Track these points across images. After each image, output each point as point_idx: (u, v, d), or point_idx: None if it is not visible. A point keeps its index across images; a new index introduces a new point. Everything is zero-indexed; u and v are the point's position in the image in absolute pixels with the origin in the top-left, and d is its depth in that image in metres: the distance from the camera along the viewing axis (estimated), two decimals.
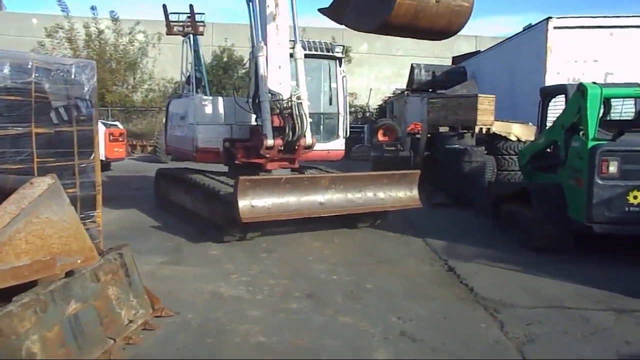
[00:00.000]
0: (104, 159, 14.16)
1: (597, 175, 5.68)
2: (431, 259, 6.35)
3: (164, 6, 12.54)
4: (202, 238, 6.95)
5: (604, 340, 4.00)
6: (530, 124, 11.33)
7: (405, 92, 20.38)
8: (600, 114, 6.07)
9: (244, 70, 24.94)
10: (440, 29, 5.26)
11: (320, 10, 6.46)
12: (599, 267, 5.85)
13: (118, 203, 9.32)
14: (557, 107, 7.82)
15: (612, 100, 7.24)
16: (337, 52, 8.66)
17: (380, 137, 17.43)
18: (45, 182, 2.72)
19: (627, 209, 5.71)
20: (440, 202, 9.84)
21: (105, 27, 25.46)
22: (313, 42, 8.44)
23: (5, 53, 4.70)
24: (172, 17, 12.78)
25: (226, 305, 4.61)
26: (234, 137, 7.93)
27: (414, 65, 20.23)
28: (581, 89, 6.07)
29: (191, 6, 12.51)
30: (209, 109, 8.06)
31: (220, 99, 8.26)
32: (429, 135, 11.32)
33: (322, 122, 8.75)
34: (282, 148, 7.09)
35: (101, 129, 14.14)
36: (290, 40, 7.36)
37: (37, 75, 4.74)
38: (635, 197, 5.67)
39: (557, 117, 6.99)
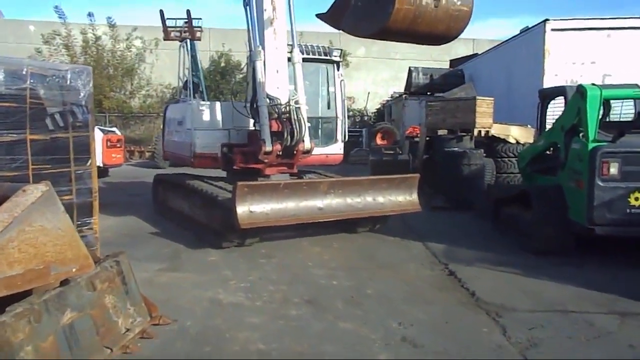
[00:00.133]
0: (101, 165, 14.09)
1: (597, 177, 5.64)
2: (431, 263, 6.30)
3: (161, 12, 12.51)
4: (200, 244, 6.89)
5: (608, 345, 3.95)
6: (528, 126, 11.32)
7: (403, 96, 20.38)
8: (600, 116, 6.03)
9: (241, 75, 24.91)
10: (439, 34, 5.23)
11: (318, 15, 6.44)
12: (600, 270, 5.81)
13: (116, 209, 9.26)
14: (556, 109, 7.79)
15: (611, 101, 7.22)
16: (335, 56, 8.62)
17: (379, 141, 17.41)
18: (39, 189, 2.67)
19: (628, 210, 5.67)
20: (440, 205, 9.80)
21: (103, 33, 25.43)
22: (311, 46, 8.40)
23: None
24: (169, 23, 12.75)
25: (225, 312, 4.55)
26: (232, 142, 7.88)
27: (411, 68, 20.23)
28: (581, 90, 6.04)
29: (188, 11, 12.49)
30: (206, 114, 8.01)
31: (217, 104, 8.22)
32: (427, 138, 11.30)
33: (320, 127, 8.70)
34: (280, 153, 7.04)
35: (99, 135, 14.09)
36: (288, 45, 7.33)
37: (32, 81, 4.70)
38: (636, 199, 5.63)
39: (557, 119, 6.96)
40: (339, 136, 8.70)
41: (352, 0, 5.37)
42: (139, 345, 3.71)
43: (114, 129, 16.77)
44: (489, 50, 18.41)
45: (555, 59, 12.51)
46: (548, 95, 7.84)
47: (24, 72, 4.65)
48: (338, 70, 8.70)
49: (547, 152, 7.59)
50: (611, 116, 7.44)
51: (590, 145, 5.80)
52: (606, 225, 5.68)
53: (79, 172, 5.16)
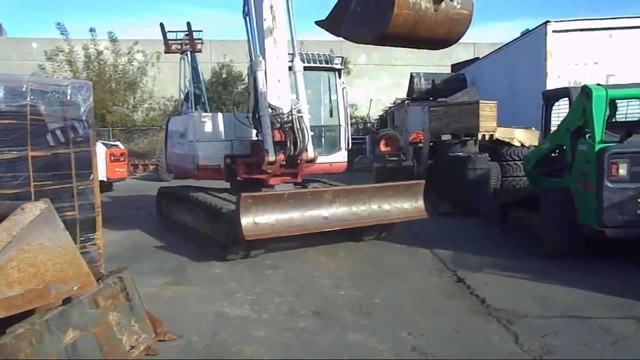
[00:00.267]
0: (105, 179, 14.13)
1: (606, 178, 5.55)
2: (439, 270, 6.21)
3: (161, 25, 12.54)
4: (205, 257, 6.83)
5: (626, 351, 3.84)
6: (533, 128, 11.23)
7: (406, 102, 20.33)
8: (606, 116, 5.95)
9: (243, 86, 24.99)
10: (439, 38, 5.18)
11: (317, 23, 6.40)
12: (611, 273, 5.70)
13: (120, 223, 9.23)
14: (560, 111, 7.72)
15: (617, 101, 7.13)
16: (337, 64, 8.59)
17: (383, 148, 17.34)
18: (38, 207, 2.63)
19: (639, 211, 5.56)
20: (445, 211, 9.72)
21: (104, 48, 25.59)
22: (312, 54, 8.38)
23: None
24: (169, 36, 12.78)
25: (231, 326, 4.47)
26: (235, 153, 7.84)
27: (413, 74, 20.21)
28: (586, 91, 5.96)
29: (189, 24, 12.51)
30: (208, 126, 7.98)
31: (219, 115, 8.19)
32: (431, 143, 11.22)
33: (323, 135, 8.66)
34: (284, 163, 6.99)
35: (102, 149, 14.14)
36: (289, 54, 7.30)
37: (32, 97, 4.68)
38: None
39: (562, 121, 6.88)
40: (343, 144, 8.65)
41: (351, 7, 5.33)
42: None
43: (117, 142, 16.81)
44: (490, 53, 18.36)
45: (557, 60, 12.44)
46: (552, 96, 7.77)
47: (24, 89, 4.64)
48: (340, 77, 8.67)
49: (553, 155, 7.51)
50: (617, 116, 7.35)
51: (598, 147, 5.71)
52: (617, 227, 5.58)
53: (81, 187, 5.12)
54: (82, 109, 5.12)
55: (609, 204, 5.53)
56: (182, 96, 10.06)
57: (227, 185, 8.32)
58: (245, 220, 5.93)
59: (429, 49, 5.75)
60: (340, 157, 8.67)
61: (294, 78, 7.24)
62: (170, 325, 4.28)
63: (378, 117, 27.72)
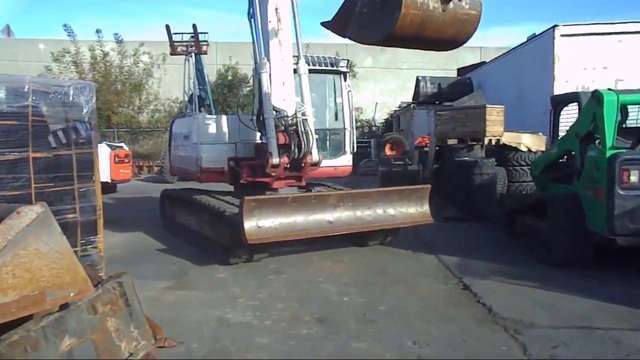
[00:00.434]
0: (109, 180, 14.08)
1: (617, 185, 5.42)
2: (445, 276, 6.10)
3: (167, 27, 12.55)
4: (208, 260, 6.75)
5: None
6: (540, 133, 11.11)
7: (412, 105, 20.23)
8: (617, 122, 5.83)
9: (248, 88, 24.97)
10: (447, 39, 5.08)
11: (322, 24, 6.32)
12: (621, 282, 5.58)
13: (123, 225, 9.18)
14: (569, 115, 7.61)
15: (628, 106, 7.01)
16: (342, 67, 8.51)
17: (388, 151, 17.23)
18: (34, 210, 2.55)
19: None
20: (451, 216, 9.60)
21: (110, 50, 25.65)
22: (317, 57, 8.30)
23: (1, 77, 4.59)
24: (175, 37, 12.79)
25: (233, 333, 4.39)
26: (239, 155, 7.76)
27: (419, 77, 20.10)
28: (597, 95, 5.85)
29: (194, 26, 12.52)
30: (212, 128, 7.91)
31: (224, 118, 8.12)
32: (437, 148, 11.13)
33: (328, 138, 8.58)
34: (288, 166, 6.91)
35: (106, 150, 14.10)
36: (294, 56, 7.23)
37: (34, 98, 4.62)
38: None
39: (571, 126, 6.77)
40: (347, 147, 8.56)
41: (357, 7, 5.24)
42: None
43: (121, 144, 16.79)
44: (497, 57, 18.23)
45: (565, 65, 12.31)
46: (561, 101, 7.66)
47: (25, 90, 4.58)
48: (345, 80, 8.59)
49: (561, 160, 7.40)
50: (628, 122, 7.22)
51: (609, 153, 5.60)
52: (628, 236, 5.45)
53: (83, 189, 5.05)
54: (85, 110, 5.06)
55: (620, 212, 5.41)
56: (187, 98, 10.01)
57: (231, 188, 8.25)
58: (249, 224, 5.85)
59: (436, 50, 5.65)
60: (345, 160, 8.58)
61: (298, 80, 7.17)
62: (171, 331, 4.20)
63: (383, 121, 27.62)
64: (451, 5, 4.88)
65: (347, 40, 6.04)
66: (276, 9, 6.91)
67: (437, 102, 18.81)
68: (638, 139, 5.61)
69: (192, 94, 9.56)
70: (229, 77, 27.22)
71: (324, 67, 8.32)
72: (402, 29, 4.81)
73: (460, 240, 7.99)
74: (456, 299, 5.25)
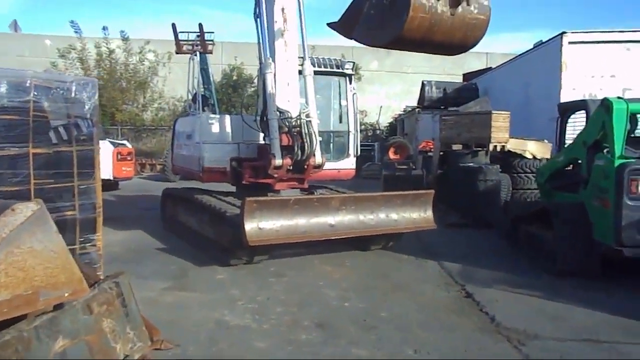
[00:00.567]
0: (111, 178, 14.05)
1: (626, 195, 5.33)
2: (447, 284, 6.02)
3: (173, 25, 12.49)
4: (208, 261, 6.68)
5: None
6: (545, 141, 11.02)
7: (417, 110, 20.15)
8: (627, 131, 5.74)
9: (253, 89, 24.94)
10: (455, 43, 5.00)
11: (329, 24, 6.25)
12: (628, 294, 5.50)
13: (124, 224, 9.12)
14: (576, 123, 7.52)
15: (638, 115, 6.91)
16: (347, 69, 8.45)
17: (392, 155, 17.14)
18: (29, 208, 2.49)
19: None
20: (454, 222, 9.51)
21: (116, 47, 25.67)
22: (322, 58, 8.25)
23: (2, 71, 4.53)
24: (181, 36, 12.73)
25: (231, 336, 4.31)
26: (242, 156, 7.70)
27: (424, 82, 20.01)
28: (606, 104, 5.76)
29: (200, 25, 12.44)
30: (215, 128, 7.85)
31: (227, 117, 8.06)
32: (441, 153, 11.04)
33: (332, 141, 8.51)
34: (290, 167, 6.84)
35: (109, 148, 14.06)
36: (299, 57, 7.17)
37: (35, 93, 4.55)
38: None
39: (578, 134, 6.68)
40: (351, 151, 8.49)
41: (365, 9, 5.17)
42: None
43: (124, 141, 16.75)
44: (504, 63, 18.15)
45: (572, 72, 12.21)
46: (568, 109, 7.57)
47: (27, 84, 4.52)
48: (350, 83, 8.53)
49: (567, 168, 7.31)
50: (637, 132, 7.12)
51: (617, 162, 5.50)
52: (636, 247, 5.35)
53: (83, 186, 4.98)
54: (87, 107, 4.99)
55: (628, 222, 5.31)
56: (190, 97, 9.95)
57: (233, 188, 8.18)
58: (249, 225, 5.78)
59: (443, 54, 5.58)
60: (348, 163, 8.51)
61: (303, 82, 7.11)
62: (168, 332, 4.13)
63: (388, 125, 27.54)
64: (460, 9, 4.81)
65: (353, 43, 5.97)
66: (282, 9, 6.86)
67: (442, 107, 18.72)
68: None
69: (195, 93, 9.50)
70: (234, 77, 27.20)
71: (329, 69, 8.26)
72: (409, 32, 4.74)
73: (463, 247, 7.90)
74: (458, 307, 5.16)
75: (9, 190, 4.41)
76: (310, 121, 6.88)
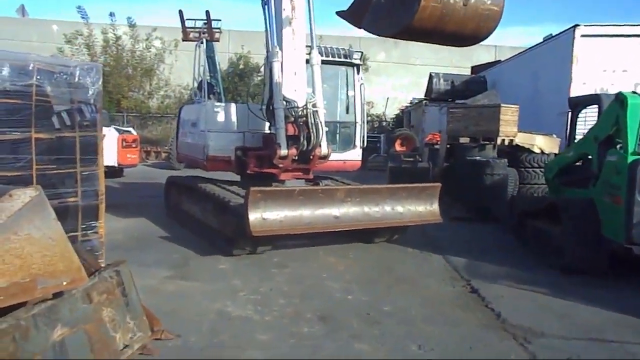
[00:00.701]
0: (116, 165, 14.00)
1: (638, 192, 5.21)
2: (452, 278, 5.95)
3: (180, 12, 12.37)
4: (211, 250, 6.63)
5: None
6: (554, 135, 10.88)
7: (424, 102, 19.97)
8: None
9: (259, 78, 24.79)
10: (467, 34, 4.88)
11: (338, 13, 6.14)
12: (636, 293, 5.41)
13: (128, 211, 9.08)
14: (588, 118, 7.39)
15: None
16: (355, 59, 8.32)
17: (398, 147, 17.00)
18: (27, 194, 2.42)
19: None
20: (460, 216, 9.42)
21: (123, 33, 25.54)
22: (330, 48, 8.12)
23: (5, 54, 4.45)
24: (188, 24, 12.61)
25: (232, 327, 4.26)
26: (247, 145, 7.61)
27: (432, 74, 19.82)
28: (620, 98, 5.63)
29: (207, 12, 12.32)
30: (221, 116, 7.76)
31: (232, 106, 7.97)
32: (448, 146, 10.92)
33: (338, 131, 8.41)
34: (296, 158, 6.76)
35: (114, 135, 14.00)
36: (307, 46, 7.06)
37: (38, 77, 4.47)
38: None
39: (590, 129, 6.55)
40: (358, 142, 8.40)
41: None
42: None
43: (129, 128, 16.69)
44: (513, 56, 17.92)
45: (584, 66, 12.02)
46: (580, 103, 7.43)
47: (30, 68, 4.44)
48: (358, 73, 8.41)
49: (576, 164, 7.19)
50: None
51: (630, 158, 5.37)
52: None
53: (86, 173, 4.92)
54: (91, 92, 4.91)
55: (639, 220, 5.21)
56: (196, 85, 9.86)
57: (237, 177, 8.11)
58: (253, 216, 5.72)
59: (455, 45, 5.46)
60: (354, 155, 8.41)
61: (310, 71, 7.00)
62: (169, 322, 4.09)
63: (394, 116, 27.35)
64: (472, 0, 4.69)
65: (360, 33, 5.88)
66: None
67: (449, 100, 18.54)
68: None
69: (201, 81, 9.40)
70: (241, 66, 27.04)
71: (337, 59, 8.13)
72: (420, 21, 4.63)
73: (468, 241, 7.82)
74: (463, 302, 5.09)
75: (10, 176, 4.35)
76: (316, 111, 6.78)
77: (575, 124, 7.44)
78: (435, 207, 7.04)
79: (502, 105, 10.23)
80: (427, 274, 6.06)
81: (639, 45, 12.07)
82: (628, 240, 5.30)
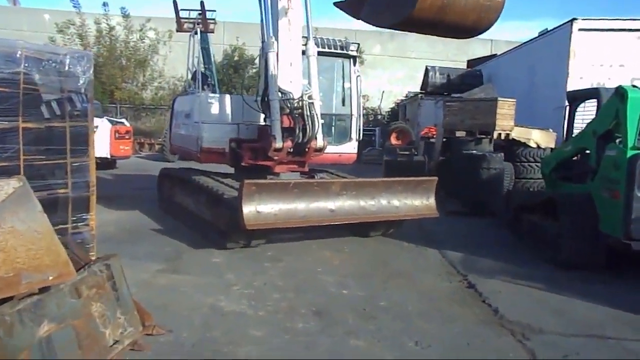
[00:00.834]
0: (109, 156, 13.87)
1: (637, 187, 5.15)
2: (448, 273, 5.89)
3: (175, 2, 12.16)
4: (204, 243, 6.53)
5: None
6: (550, 130, 10.83)
7: (419, 95, 19.88)
8: None
9: (254, 70, 24.59)
10: (468, 25, 4.79)
11: (335, 4, 6.04)
12: (633, 288, 5.37)
13: (120, 203, 8.96)
14: (585, 113, 7.33)
15: None
16: (352, 50, 8.21)
17: (394, 141, 16.92)
18: (11, 185, 2.32)
19: None
20: (455, 210, 9.36)
21: (116, 24, 25.20)
22: (327, 39, 7.98)
23: None
24: (182, 14, 12.43)
25: (226, 322, 4.18)
26: (241, 137, 7.50)
27: (428, 67, 19.71)
28: (621, 92, 5.56)
29: (202, 3, 12.13)
30: (215, 107, 7.63)
31: (227, 97, 7.84)
32: (444, 139, 10.85)
33: (334, 124, 8.31)
34: (291, 150, 6.66)
35: (107, 126, 13.86)
36: (303, 37, 6.94)
37: (26, 65, 4.33)
38: None
39: (588, 123, 6.50)
40: (354, 134, 8.29)
41: None
42: None
43: (122, 120, 16.52)
44: (509, 50, 17.85)
45: (580, 60, 11.96)
46: (578, 97, 7.37)
47: (17, 55, 4.30)
48: (354, 65, 8.29)
49: (574, 158, 7.14)
50: None
51: (630, 153, 5.31)
52: None
53: (76, 164, 4.78)
54: (81, 81, 4.77)
55: (638, 215, 5.15)
56: (190, 75, 9.71)
57: (231, 170, 8.00)
58: (247, 209, 5.63)
59: (455, 37, 5.37)
60: (350, 147, 8.31)
61: (306, 62, 6.89)
62: (161, 317, 4.00)
63: (389, 110, 27.25)
64: None
65: (356, 26, 5.80)
66: None
67: (445, 93, 18.47)
68: None
69: (195, 71, 9.25)
70: (235, 58, 26.79)
71: (333, 50, 8.01)
72: (420, 12, 4.53)
73: (464, 236, 7.77)
74: (460, 298, 5.04)
75: None
76: (312, 103, 6.69)
77: (573, 119, 7.38)
78: (431, 201, 6.98)
79: (499, 99, 10.17)
80: (423, 269, 6.00)
81: (636, 40, 12.03)
82: (626, 236, 5.25)
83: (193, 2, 12.64)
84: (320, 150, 6.85)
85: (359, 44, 8.67)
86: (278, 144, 6.46)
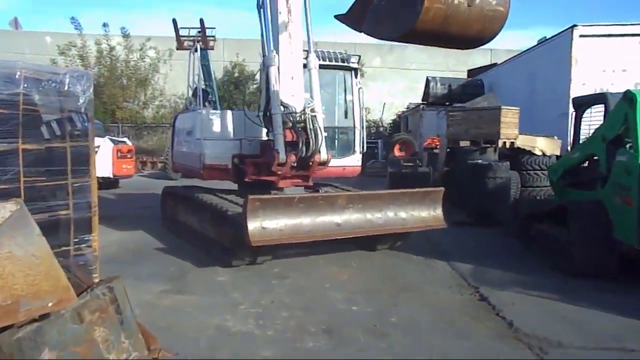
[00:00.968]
0: (111, 176, 13.83)
1: None
2: (459, 285, 5.76)
3: (174, 20, 12.23)
4: (208, 262, 6.43)
5: None
6: (555, 137, 10.74)
7: (421, 106, 19.86)
8: None
9: (255, 86, 24.65)
10: (472, 36, 4.70)
11: (337, 17, 5.96)
12: None
13: (123, 223, 8.88)
14: (592, 119, 7.24)
15: None
16: (353, 63, 8.17)
17: (397, 152, 16.85)
18: (7, 208, 2.23)
19: None
20: (461, 220, 9.23)
21: (117, 44, 25.40)
22: (328, 52, 7.96)
23: None
24: (182, 32, 12.48)
25: (233, 343, 4.06)
26: (244, 152, 7.42)
27: (429, 78, 19.71)
28: (629, 96, 5.48)
29: (201, 20, 12.18)
30: (216, 124, 7.57)
31: (229, 113, 7.78)
32: (448, 150, 10.77)
33: (337, 137, 8.24)
34: (295, 164, 6.58)
35: (109, 145, 13.84)
36: (304, 50, 6.90)
37: (25, 86, 4.28)
38: None
39: (596, 129, 6.40)
40: (357, 147, 8.22)
41: (375, 0, 4.89)
42: None
43: (124, 139, 16.52)
44: (510, 58, 17.83)
45: (583, 66, 11.90)
46: (584, 103, 7.28)
47: (17, 76, 4.25)
48: (356, 77, 8.25)
49: (582, 165, 7.04)
50: None
51: None
52: None
53: (77, 185, 4.71)
54: (81, 100, 4.72)
55: None
56: (191, 92, 9.68)
57: (235, 186, 7.92)
58: (252, 225, 5.53)
59: (459, 48, 5.27)
60: (354, 160, 8.23)
61: (308, 76, 6.85)
62: (166, 339, 3.87)
63: (391, 122, 27.25)
64: (477, 0, 4.52)
65: (356, 39, 5.75)
66: (287, 0, 6.58)
67: (447, 103, 18.46)
68: None
69: (196, 88, 9.23)
70: (236, 74, 26.91)
71: (334, 63, 7.98)
72: (424, 24, 4.45)
73: (472, 246, 7.65)
74: (473, 311, 4.90)
75: None
76: (315, 116, 6.62)
77: (580, 125, 7.29)
78: (438, 212, 6.87)
79: (503, 107, 10.10)
80: (433, 282, 5.87)
81: (638, 45, 11.98)
82: None
83: (192, 19, 12.70)
84: (324, 163, 6.77)
85: (359, 56, 8.63)
86: (281, 158, 6.38)
